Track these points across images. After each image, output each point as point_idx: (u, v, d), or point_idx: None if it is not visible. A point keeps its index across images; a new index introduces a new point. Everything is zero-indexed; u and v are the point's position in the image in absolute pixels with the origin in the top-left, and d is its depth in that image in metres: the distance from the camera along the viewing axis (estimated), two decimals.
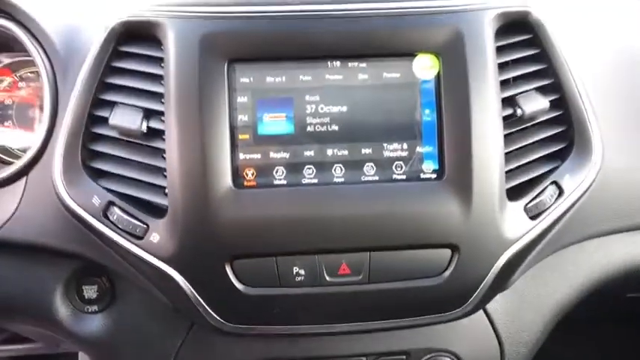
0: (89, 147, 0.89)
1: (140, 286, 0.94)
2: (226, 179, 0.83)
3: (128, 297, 1.00)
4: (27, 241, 0.92)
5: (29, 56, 0.94)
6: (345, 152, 0.86)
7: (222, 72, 0.84)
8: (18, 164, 0.93)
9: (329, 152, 0.86)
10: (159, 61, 0.87)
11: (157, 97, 0.87)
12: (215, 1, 0.86)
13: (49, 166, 0.89)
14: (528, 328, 1.02)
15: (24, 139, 1.05)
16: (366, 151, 0.86)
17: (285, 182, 0.86)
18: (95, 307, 1.00)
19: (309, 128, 0.86)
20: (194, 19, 0.84)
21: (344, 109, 0.86)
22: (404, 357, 1.00)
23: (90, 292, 1.00)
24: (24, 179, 0.93)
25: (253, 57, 0.85)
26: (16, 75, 1.06)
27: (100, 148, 0.89)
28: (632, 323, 1.68)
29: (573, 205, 0.91)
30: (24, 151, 1.03)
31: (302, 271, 0.85)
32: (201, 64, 0.83)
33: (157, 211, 0.86)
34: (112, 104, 0.88)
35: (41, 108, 0.96)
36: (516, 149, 0.90)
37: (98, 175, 0.89)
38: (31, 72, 1.06)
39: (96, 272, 0.99)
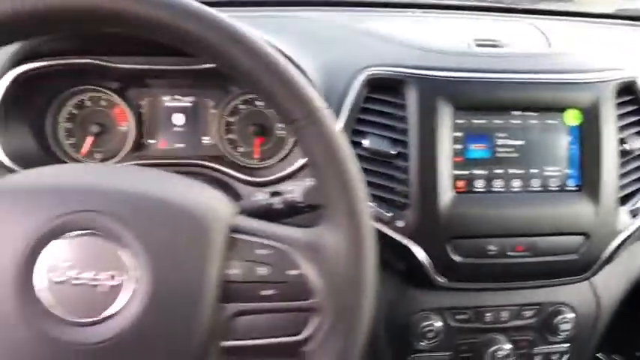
0: None
1: None
2: (449, 187, 1.27)
3: None
4: None
5: None
6: (521, 171, 1.31)
7: (450, 116, 1.27)
8: None
9: (510, 171, 1.30)
10: (402, 106, 1.28)
11: (402, 132, 1.27)
12: (441, 67, 1.27)
13: None
14: (616, 285, 1.48)
15: None
16: (534, 171, 1.31)
17: (483, 190, 1.30)
18: None
19: (498, 154, 1.30)
20: (431, 78, 1.26)
21: (521, 143, 1.31)
22: (538, 307, 1.39)
23: None
24: None
25: (468, 107, 1.28)
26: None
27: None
28: None
29: None
30: None
31: (494, 248, 1.30)
32: (437, 111, 1.25)
33: (399, 207, 1.29)
34: (364, 133, 1.29)
35: None
36: (626, 172, 1.36)
37: None
38: None
39: None
